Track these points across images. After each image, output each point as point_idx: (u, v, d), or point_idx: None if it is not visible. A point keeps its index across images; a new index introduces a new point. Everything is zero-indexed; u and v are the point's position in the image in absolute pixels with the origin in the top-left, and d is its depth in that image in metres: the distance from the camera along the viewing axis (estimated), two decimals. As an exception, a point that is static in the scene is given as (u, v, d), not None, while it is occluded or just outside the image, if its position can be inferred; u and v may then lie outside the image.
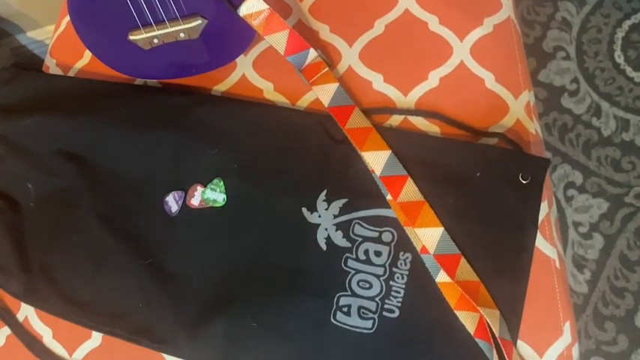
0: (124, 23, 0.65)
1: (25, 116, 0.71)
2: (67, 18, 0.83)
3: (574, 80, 1.14)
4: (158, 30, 0.65)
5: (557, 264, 0.60)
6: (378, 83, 0.68)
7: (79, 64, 0.77)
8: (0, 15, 1.20)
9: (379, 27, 0.70)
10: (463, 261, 0.58)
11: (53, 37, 0.83)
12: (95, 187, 0.68)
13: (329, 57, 0.70)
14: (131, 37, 0.65)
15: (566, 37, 1.17)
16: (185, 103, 0.69)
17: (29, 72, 0.75)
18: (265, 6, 0.63)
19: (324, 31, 0.71)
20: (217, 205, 0.64)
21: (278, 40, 0.65)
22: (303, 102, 0.69)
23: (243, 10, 0.63)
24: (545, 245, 0.60)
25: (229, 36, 0.67)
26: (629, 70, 1.12)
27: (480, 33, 0.68)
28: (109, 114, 0.69)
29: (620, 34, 1.14)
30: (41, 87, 0.74)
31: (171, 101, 0.69)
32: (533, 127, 0.65)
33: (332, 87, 0.67)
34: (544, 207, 0.61)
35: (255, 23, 0.64)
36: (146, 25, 0.65)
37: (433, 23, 0.69)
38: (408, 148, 0.63)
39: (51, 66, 0.80)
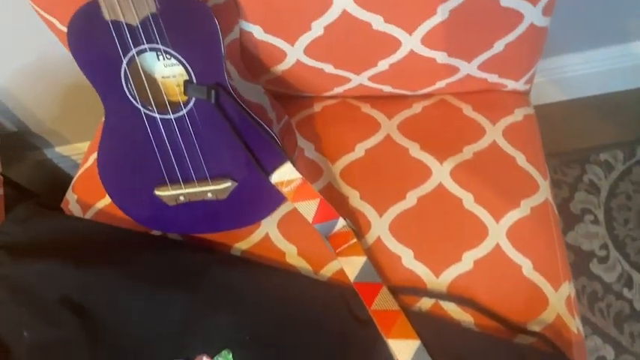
0: (151, 178, 0.63)
1: (35, 259, 0.68)
2: (95, 155, 0.83)
3: (603, 246, 1.11)
4: (186, 188, 0.63)
5: None
6: (408, 259, 0.64)
7: (100, 204, 0.75)
8: (31, 130, 1.22)
9: (411, 199, 0.68)
10: None
11: (78, 172, 0.82)
12: (94, 344, 0.63)
13: (358, 225, 0.67)
14: (157, 193, 0.64)
15: (595, 201, 1.15)
16: (202, 261, 0.65)
17: (46, 211, 0.73)
18: (298, 175, 0.62)
19: (355, 198, 0.69)
20: (223, 382, 0.58)
21: (307, 207, 0.63)
22: (327, 271, 0.65)
23: (275, 178, 0.62)
24: None
25: (257, 198, 0.64)
26: (661, 243, 1.08)
27: (516, 215, 0.66)
28: (122, 266, 0.66)
29: (650, 203, 1.12)
30: (55, 229, 0.71)
31: (187, 258, 0.66)
32: (575, 324, 0.60)
33: (359, 260, 0.63)
34: None
35: (285, 190, 0.62)
36: (174, 182, 0.63)
37: (468, 200, 0.67)
38: (440, 339, 0.57)
39: (71, 201, 0.78)
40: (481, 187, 0.68)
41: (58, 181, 1.33)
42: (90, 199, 0.77)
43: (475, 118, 0.74)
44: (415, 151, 0.71)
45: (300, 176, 0.62)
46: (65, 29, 0.70)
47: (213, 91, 0.57)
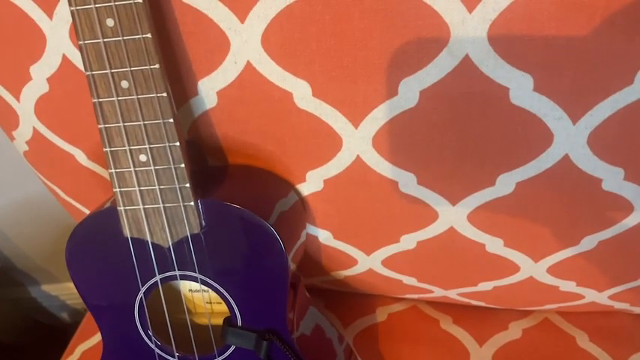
0: None
1: None
2: (83, 346, 0.64)
3: None
4: None
5: None
6: None
7: None
8: (15, 265, 1.04)
9: None
10: None
11: (59, 370, 0.63)
12: None
13: None
14: None
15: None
16: None
17: None
18: None
19: None
20: None
21: None
22: None
23: None
24: None
25: None
26: None
27: None
28: None
29: None
30: None
31: None
32: None
33: None
34: None
35: None
36: None
37: None
38: None
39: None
40: None
41: (40, 326, 1.13)
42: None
43: (594, 354, 0.55)
44: (521, 402, 0.52)
45: None
46: (70, 200, 0.54)
47: (265, 343, 0.39)
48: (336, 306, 0.61)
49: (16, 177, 0.87)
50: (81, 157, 0.47)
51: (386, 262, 0.50)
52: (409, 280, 0.53)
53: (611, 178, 0.38)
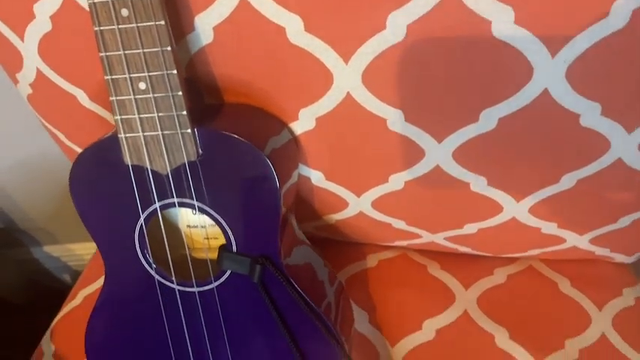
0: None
1: None
2: (85, 291, 0.66)
3: None
4: (201, 385, 0.46)
5: None
6: None
7: (83, 367, 0.58)
8: (18, 227, 1.06)
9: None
10: None
11: (60, 313, 0.65)
12: None
13: None
14: (160, 386, 0.46)
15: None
16: None
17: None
18: (360, 384, 0.45)
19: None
20: None
21: None
22: None
23: (328, 385, 0.45)
24: None
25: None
26: None
27: None
28: None
29: None
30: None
31: None
32: None
33: None
34: None
35: (339, 402, 0.45)
36: (186, 373, 0.46)
37: None
38: None
39: (46, 354, 0.60)
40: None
41: (42, 287, 1.15)
42: (72, 357, 0.59)
43: (575, 299, 0.58)
44: (503, 339, 0.55)
45: (363, 385, 0.45)
46: (72, 145, 0.56)
47: (258, 267, 0.41)
48: (328, 253, 0.63)
49: (19, 138, 0.89)
50: (83, 98, 0.49)
51: (375, 204, 0.52)
52: (398, 224, 0.55)
53: (589, 114, 0.40)
